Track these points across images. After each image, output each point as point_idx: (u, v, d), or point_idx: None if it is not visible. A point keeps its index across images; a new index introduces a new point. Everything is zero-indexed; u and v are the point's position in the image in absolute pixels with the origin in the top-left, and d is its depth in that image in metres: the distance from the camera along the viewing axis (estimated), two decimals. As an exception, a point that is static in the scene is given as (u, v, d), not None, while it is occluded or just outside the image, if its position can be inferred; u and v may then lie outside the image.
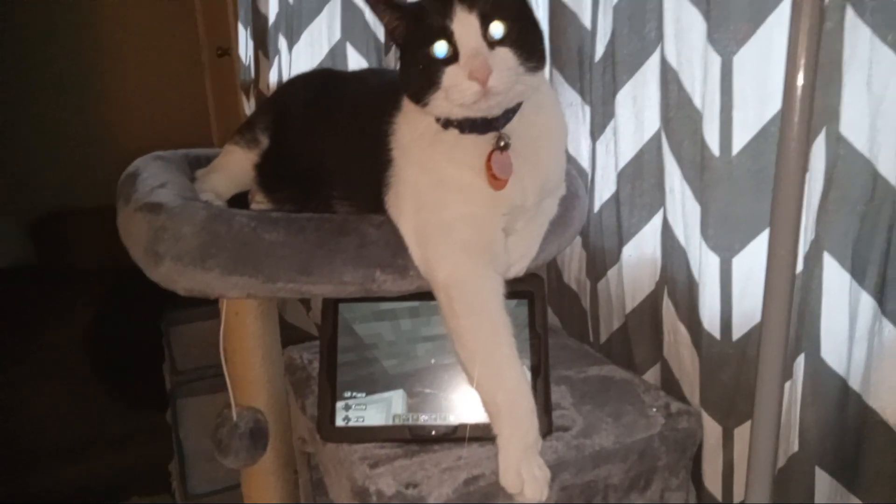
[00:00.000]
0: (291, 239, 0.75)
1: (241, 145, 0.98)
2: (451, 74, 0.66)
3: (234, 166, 0.98)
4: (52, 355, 2.86)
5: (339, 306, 0.87)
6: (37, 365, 2.80)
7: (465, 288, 0.73)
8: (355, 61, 1.53)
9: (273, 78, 1.75)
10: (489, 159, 0.72)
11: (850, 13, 0.59)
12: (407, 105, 0.76)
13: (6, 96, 3.69)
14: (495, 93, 0.65)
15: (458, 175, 0.74)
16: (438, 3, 0.67)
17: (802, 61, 0.56)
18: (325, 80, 1.03)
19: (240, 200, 1.00)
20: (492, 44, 0.65)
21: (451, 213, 0.74)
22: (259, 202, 0.98)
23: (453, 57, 0.66)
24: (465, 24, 0.65)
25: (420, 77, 0.68)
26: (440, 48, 0.66)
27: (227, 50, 3.29)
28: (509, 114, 0.72)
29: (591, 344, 1.07)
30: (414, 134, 0.76)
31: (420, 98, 0.69)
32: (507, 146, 0.73)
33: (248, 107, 2.04)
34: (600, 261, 1.01)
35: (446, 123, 0.73)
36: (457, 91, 0.66)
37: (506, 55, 0.65)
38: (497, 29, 0.65)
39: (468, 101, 0.66)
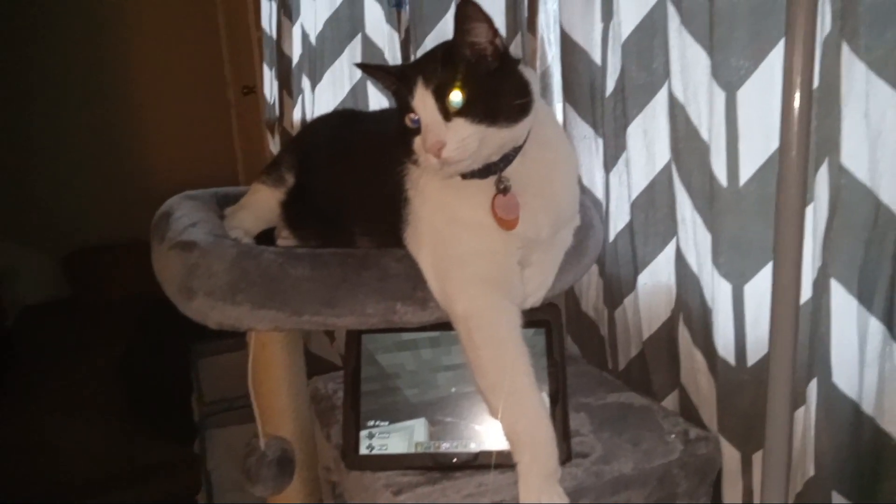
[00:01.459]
0: (316, 273, 0.79)
1: (268, 184, 1.03)
2: (417, 144, 0.71)
3: (261, 204, 1.02)
4: (83, 387, 2.92)
5: (362, 337, 0.91)
6: (68, 397, 2.86)
7: (482, 320, 0.76)
8: (376, 99, 1.58)
9: (297, 116, 1.82)
10: (493, 203, 0.75)
11: (845, 48, 0.62)
12: None
13: (43, 136, 3.84)
14: (452, 162, 0.69)
15: (470, 215, 0.77)
16: (407, 77, 0.72)
17: (797, 94, 0.59)
18: (345, 121, 1.07)
19: (267, 236, 1.04)
20: (450, 114, 0.69)
21: (466, 248, 0.77)
22: (285, 238, 1.02)
23: (419, 128, 0.71)
24: (423, 99, 0.70)
25: (402, 142, 0.74)
26: (410, 120, 0.72)
27: (252, 88, 3.40)
28: (509, 157, 0.75)
29: (610, 371, 1.09)
30: (426, 177, 0.79)
31: (412, 159, 0.74)
32: (507, 189, 0.76)
33: (273, 144, 2.10)
34: (617, 289, 1.03)
35: None
36: (421, 160, 0.72)
37: (462, 125, 0.68)
38: (454, 99, 0.68)
39: (431, 169, 0.71)
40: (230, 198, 1.16)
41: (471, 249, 0.77)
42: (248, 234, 0.98)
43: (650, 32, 0.90)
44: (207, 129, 4.16)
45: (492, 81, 0.71)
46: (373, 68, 0.83)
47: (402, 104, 0.73)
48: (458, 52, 0.71)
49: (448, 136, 0.68)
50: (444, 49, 0.74)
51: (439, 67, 0.71)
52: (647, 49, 0.90)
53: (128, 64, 4.02)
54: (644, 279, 0.97)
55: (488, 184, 0.76)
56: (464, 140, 0.69)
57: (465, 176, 0.75)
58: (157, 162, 4.14)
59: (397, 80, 0.74)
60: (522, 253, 0.80)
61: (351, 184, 0.95)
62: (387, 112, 1.28)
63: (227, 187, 1.23)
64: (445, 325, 0.81)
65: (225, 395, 1.96)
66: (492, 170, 0.75)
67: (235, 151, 4.17)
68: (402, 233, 0.83)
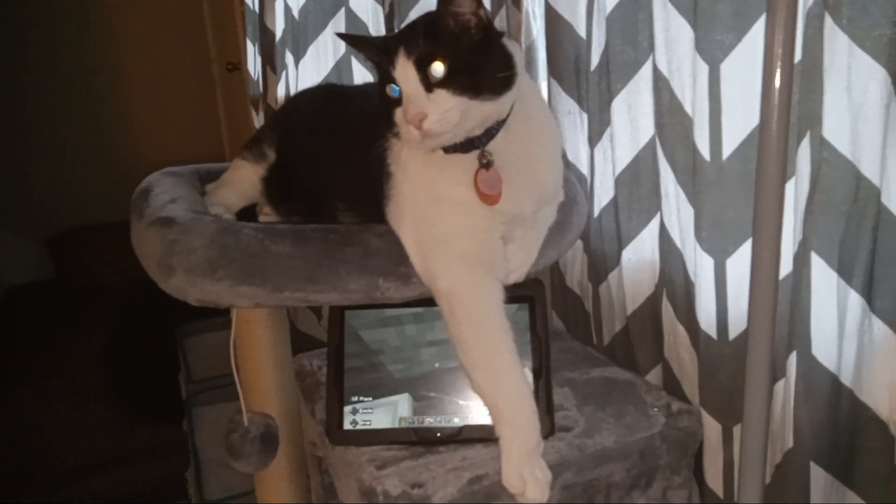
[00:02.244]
0: (298, 250, 0.78)
1: (249, 160, 1.02)
2: (398, 116, 0.70)
3: (243, 180, 1.01)
4: (70, 369, 2.91)
5: (345, 314, 0.90)
6: (55, 379, 2.85)
7: (464, 296, 0.76)
8: (360, 74, 1.56)
9: (281, 92, 1.79)
10: (475, 178, 0.75)
11: (828, 21, 0.61)
12: None
13: (24, 117, 3.78)
14: (433, 134, 0.68)
15: (452, 191, 0.76)
16: (389, 48, 0.70)
17: (778, 66, 0.58)
18: (328, 96, 1.06)
19: (248, 213, 1.03)
20: (432, 86, 0.68)
21: (449, 225, 0.77)
22: (267, 214, 1.01)
23: (400, 99, 0.69)
24: (404, 70, 0.69)
25: (383, 115, 0.73)
26: (391, 90, 0.70)
27: (237, 64, 3.35)
28: (492, 131, 0.74)
29: (595, 346, 1.09)
30: (408, 152, 0.78)
31: (394, 131, 0.73)
32: (490, 163, 0.75)
33: (258, 120, 2.08)
34: (601, 264, 1.03)
35: None
36: (402, 132, 0.71)
37: (444, 97, 0.67)
38: (436, 70, 0.67)
39: (412, 142, 0.70)
40: (212, 174, 1.14)
41: (453, 226, 0.77)
42: (228, 210, 0.97)
43: (635, 6, 0.89)
44: (192, 107, 4.10)
45: (475, 53, 0.70)
46: (355, 39, 0.82)
47: (384, 75, 0.71)
48: (441, 23, 0.70)
49: (430, 107, 0.68)
50: (426, 20, 0.73)
51: (421, 38, 0.69)
52: (632, 22, 0.89)
53: (110, 42, 3.95)
54: (628, 255, 0.97)
55: (471, 158, 0.75)
56: (445, 112, 0.68)
57: (447, 150, 0.74)
58: (142, 141, 4.09)
59: (379, 51, 0.73)
60: (505, 229, 0.80)
61: (333, 159, 0.93)
62: (369, 86, 1.26)
63: (209, 164, 1.21)
64: (429, 301, 0.81)
65: (212, 374, 1.96)
66: (474, 144, 0.74)
67: (221, 129, 4.12)
68: (385, 208, 0.82)
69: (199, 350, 2.11)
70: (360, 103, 0.99)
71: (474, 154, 0.75)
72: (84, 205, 3.95)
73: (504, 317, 0.77)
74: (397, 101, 0.70)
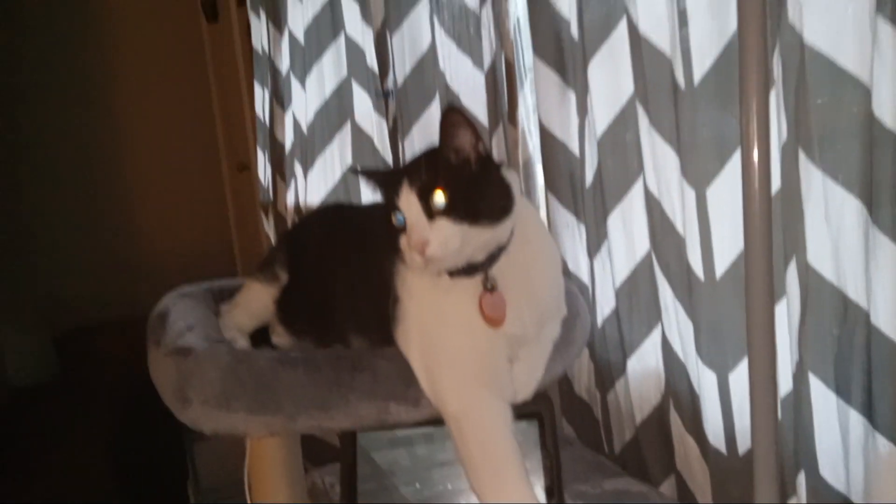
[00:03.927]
0: (309, 378, 0.80)
1: (262, 281, 1.05)
2: (403, 242, 0.74)
3: (255, 302, 1.04)
4: (76, 471, 2.86)
5: (356, 435, 0.91)
6: (61, 481, 2.80)
7: (473, 419, 0.77)
8: (366, 186, 1.63)
9: (290, 200, 1.86)
10: (480, 301, 0.78)
11: (802, 156, 0.66)
12: None
13: (34, 215, 3.87)
14: (435, 259, 0.72)
15: (458, 314, 0.78)
16: (393, 179, 0.75)
17: (756, 196, 0.61)
18: (334, 217, 1.11)
19: (263, 333, 1.06)
20: (434, 214, 0.72)
21: (455, 347, 0.79)
22: (279, 335, 1.04)
23: (405, 227, 0.73)
24: (408, 199, 0.73)
25: (389, 241, 0.76)
26: (396, 219, 0.74)
27: (247, 165, 3.47)
28: (494, 256, 0.77)
29: (606, 454, 1.09)
30: (414, 276, 0.81)
31: (400, 255, 0.76)
32: (493, 287, 0.78)
33: (268, 225, 2.14)
34: (607, 373, 1.05)
35: None
36: (406, 258, 0.74)
37: (445, 225, 0.71)
38: (437, 200, 0.71)
39: (416, 267, 0.73)
40: (225, 292, 1.18)
41: (459, 348, 0.79)
42: (242, 331, 1.00)
43: (622, 129, 0.94)
44: (202, 207, 4.21)
45: (474, 184, 0.74)
46: (365, 172, 0.86)
47: (390, 204, 0.76)
48: (442, 156, 0.74)
49: (432, 234, 0.71)
50: (429, 154, 0.78)
51: (424, 170, 0.74)
52: (621, 144, 0.95)
53: (120, 141, 4.09)
54: (633, 364, 0.99)
55: (475, 282, 0.78)
56: (446, 239, 0.71)
57: (451, 274, 0.77)
58: (151, 240, 4.17)
59: (386, 182, 0.78)
60: (510, 349, 0.82)
61: (342, 281, 0.97)
62: (374, 207, 1.32)
63: (222, 280, 1.25)
64: (439, 421, 0.82)
65: (222, 482, 1.94)
66: (478, 268, 0.77)
67: (230, 229, 4.22)
68: (393, 331, 0.85)
69: (208, 455, 2.09)
70: (367, 225, 1.03)
71: (478, 278, 0.78)
72: (91, 303, 3.99)
73: (513, 438, 0.77)
74: (402, 229, 0.74)
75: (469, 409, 0.78)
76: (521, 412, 0.83)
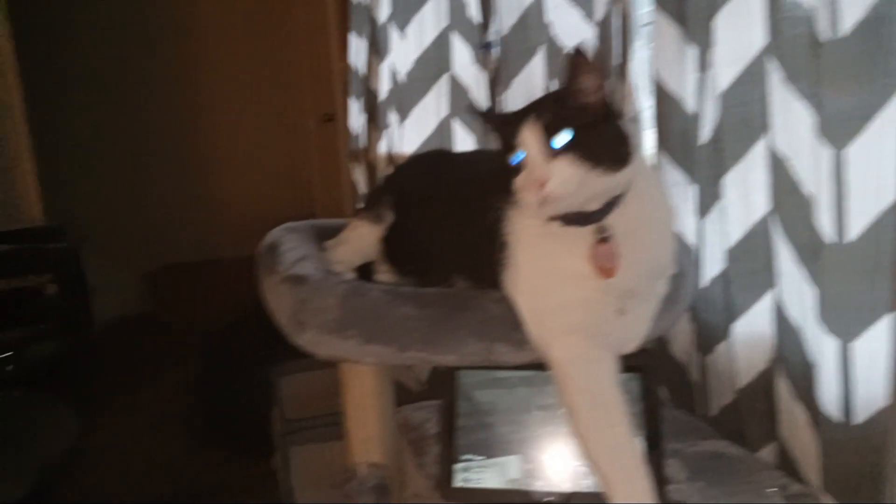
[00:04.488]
0: (421, 312, 0.83)
1: (368, 220, 1.08)
2: (519, 181, 0.73)
3: (361, 240, 1.07)
4: (163, 400, 3.05)
5: (457, 373, 0.94)
6: (148, 409, 2.99)
7: (578, 367, 0.77)
8: (461, 136, 1.63)
9: (383, 148, 1.88)
10: (592, 251, 0.77)
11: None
12: None
13: (130, 161, 4.07)
14: (553, 199, 0.71)
15: (569, 263, 0.78)
16: (516, 116, 0.75)
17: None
18: (440, 161, 1.12)
19: (364, 269, 1.09)
20: (556, 153, 0.71)
21: (563, 297, 0.79)
22: (383, 272, 1.07)
23: (523, 165, 0.73)
24: (529, 137, 0.73)
25: (502, 183, 0.76)
26: (514, 157, 0.74)
27: (332, 116, 3.52)
28: (609, 206, 0.77)
29: (700, 417, 1.08)
30: (525, 223, 0.82)
31: (514, 197, 0.75)
32: (607, 238, 0.77)
33: (357, 172, 2.18)
34: (709, 335, 1.03)
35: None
36: (522, 195, 0.73)
37: (565, 164, 0.71)
38: (559, 139, 0.71)
39: (532, 203, 0.72)
40: (326, 230, 1.22)
41: (568, 298, 0.79)
42: (348, 268, 1.03)
43: (749, 85, 0.91)
44: (286, 156, 4.33)
45: (596, 128, 0.73)
46: (484, 113, 0.86)
47: (507, 146, 0.75)
48: (565, 97, 0.74)
49: (551, 172, 0.71)
50: (553, 95, 0.77)
51: (547, 110, 0.74)
52: (746, 101, 0.91)
53: (211, 92, 4.23)
54: (739, 328, 0.97)
55: (587, 232, 0.77)
56: (566, 178, 0.71)
57: (565, 222, 0.77)
58: (235, 186, 4.32)
59: (505, 122, 0.77)
60: (619, 302, 0.82)
61: (448, 224, 0.98)
62: (479, 153, 1.32)
63: (323, 219, 1.30)
64: (539, 366, 0.83)
65: (305, 414, 2.02)
66: (592, 218, 0.77)
67: (312, 177, 4.31)
68: (500, 276, 0.85)
69: (292, 389, 2.18)
70: (473, 170, 1.04)
71: (590, 228, 0.78)
72: (179, 244, 4.19)
73: (618, 388, 0.78)
74: (517, 170, 0.74)
75: (574, 356, 0.78)
76: (625, 366, 0.83)
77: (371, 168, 2.03)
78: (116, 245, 4.00)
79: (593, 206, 0.76)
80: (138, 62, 4.02)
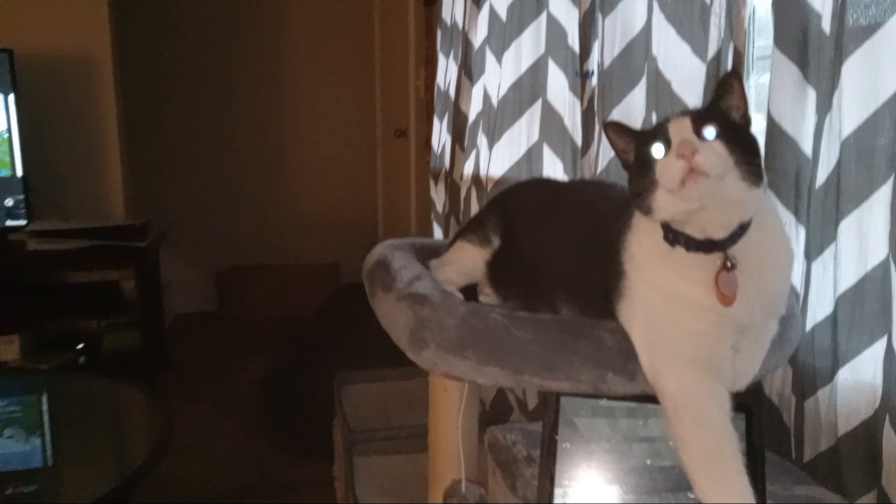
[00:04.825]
0: (538, 337, 0.85)
1: (474, 243, 1.11)
2: (663, 163, 0.75)
3: (468, 262, 1.11)
4: (228, 396, 3.15)
5: (560, 398, 0.96)
6: (215, 403, 3.09)
7: (693, 400, 0.79)
8: (550, 162, 1.66)
9: (468, 170, 1.93)
10: (717, 278, 0.79)
11: None
12: (637, 224, 0.85)
13: (206, 167, 4.24)
14: (701, 172, 0.71)
15: (689, 292, 0.80)
16: (654, 128, 0.78)
17: None
18: (547, 189, 1.15)
19: (468, 291, 1.12)
20: (704, 140, 0.74)
21: (682, 328, 0.81)
22: (487, 295, 1.10)
23: (667, 153, 0.75)
24: (678, 124, 0.76)
25: (641, 178, 0.77)
26: (657, 149, 0.76)
27: (404, 131, 3.60)
28: (735, 236, 0.78)
29: (793, 461, 1.07)
30: (645, 251, 0.84)
31: (641, 199, 0.77)
32: (733, 266, 0.79)
33: (435, 191, 2.23)
34: (810, 379, 1.02)
35: (673, 241, 0.80)
36: (666, 173, 0.74)
37: (716, 146, 0.73)
38: (709, 131, 0.74)
39: (676, 179, 0.72)
40: (424, 248, 1.26)
41: (687, 329, 0.81)
42: (455, 289, 1.07)
43: (874, 132, 0.91)
44: (353, 169, 4.44)
45: (740, 133, 0.76)
46: (620, 127, 0.87)
47: (647, 144, 0.77)
48: (715, 103, 0.79)
49: (703, 148, 0.73)
50: (699, 108, 0.81)
51: (698, 109, 0.78)
52: (870, 148, 0.91)
53: (284, 103, 4.38)
54: (845, 374, 0.97)
55: (710, 261, 0.78)
56: (715, 156, 0.72)
57: (689, 248, 0.79)
58: (302, 195, 4.45)
59: (642, 133, 0.81)
60: (735, 338, 0.83)
61: (556, 251, 1.01)
62: (584, 183, 1.35)
63: (421, 238, 1.34)
64: (644, 398, 0.85)
65: (371, 425, 2.07)
66: (718, 246, 0.78)
67: (377, 191, 4.41)
68: (615, 305, 0.87)
69: (356, 400, 2.23)
70: (581, 200, 1.07)
71: (715, 256, 0.79)
72: (248, 246, 4.34)
73: (730, 424, 0.79)
74: (655, 164, 0.75)
75: (690, 390, 0.79)
76: (733, 403, 0.84)
77: (454, 187, 2.08)
78: (191, 245, 4.16)
79: (720, 233, 0.77)
80: (226, 72, 4.19)
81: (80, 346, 3.15)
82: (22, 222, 2.97)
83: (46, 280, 3.30)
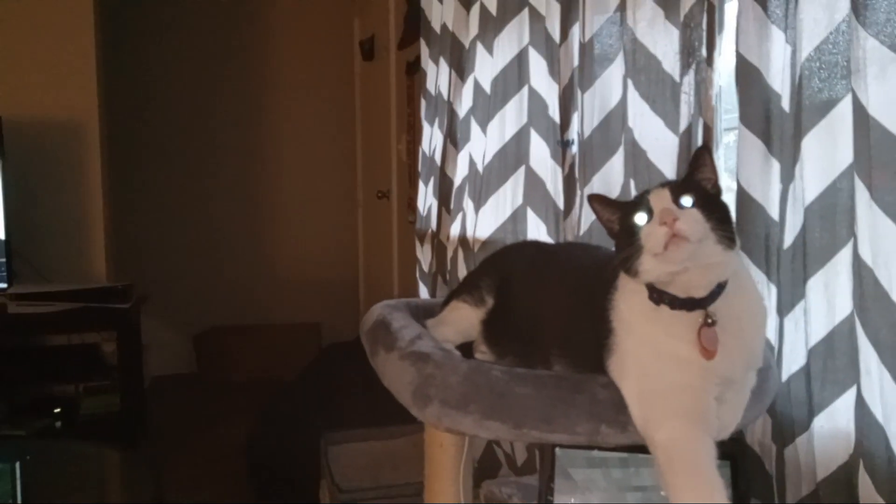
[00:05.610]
0: (537, 392, 0.91)
1: (469, 303, 1.18)
2: (646, 229, 0.83)
3: (463, 321, 1.17)
4: (207, 461, 3.09)
5: (555, 450, 1.01)
6: (194, 471, 3.03)
7: (683, 450, 0.84)
8: (534, 224, 1.75)
9: (455, 231, 2.00)
10: (699, 333, 0.86)
11: None
12: (623, 285, 0.93)
13: (183, 228, 4.27)
14: (683, 237, 0.80)
15: (674, 347, 0.87)
16: (635, 199, 0.87)
17: None
18: (536, 251, 1.23)
19: (463, 349, 1.17)
20: (681, 208, 0.82)
21: (670, 382, 0.87)
22: (483, 352, 1.16)
23: (646, 224, 0.84)
24: (658, 195, 0.85)
25: (627, 244, 0.85)
26: (640, 217, 0.85)
27: (386, 193, 3.70)
28: (714, 294, 0.86)
29: (777, 507, 1.12)
30: (632, 310, 0.91)
31: (628, 263, 0.85)
32: (713, 322, 0.86)
33: (421, 251, 2.30)
34: (788, 428, 1.09)
35: (658, 300, 0.88)
36: (650, 238, 0.82)
37: (693, 213, 0.82)
38: (686, 200, 0.83)
39: (660, 244, 0.80)
40: (420, 308, 1.32)
41: (674, 383, 0.87)
42: (452, 347, 1.12)
43: (834, 199, 1.01)
44: (334, 230, 4.50)
45: (713, 202, 0.85)
46: (604, 200, 0.96)
47: (630, 214, 0.86)
48: (689, 177, 0.88)
49: (682, 215, 0.81)
50: (674, 180, 0.91)
51: (673, 183, 0.87)
52: (831, 213, 1.01)
53: (265, 164, 4.46)
54: (820, 422, 1.03)
55: (693, 318, 0.86)
56: (693, 222, 0.81)
57: (673, 306, 0.86)
58: (283, 256, 4.49)
59: (624, 204, 0.89)
60: (718, 389, 0.89)
61: (550, 309, 1.08)
62: (571, 245, 1.43)
63: (415, 299, 1.40)
64: (636, 448, 0.90)
65: (360, 485, 2.06)
66: (699, 304, 0.85)
67: (358, 252, 4.47)
68: (606, 360, 0.94)
69: (344, 460, 2.23)
70: (570, 262, 1.14)
71: (697, 313, 0.86)
72: (227, 307, 4.33)
73: (717, 471, 0.84)
74: (640, 229, 0.84)
75: (679, 440, 0.85)
76: (718, 452, 0.90)
77: (441, 248, 2.15)
78: (169, 306, 4.14)
79: (701, 292, 0.85)
80: (209, 135, 4.28)
81: (58, 410, 3.08)
82: (3, 286, 2.96)
83: (24, 343, 3.25)
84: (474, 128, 1.91)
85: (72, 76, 3.24)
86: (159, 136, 4.17)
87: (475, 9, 1.93)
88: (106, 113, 3.40)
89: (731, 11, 1.21)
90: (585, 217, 1.56)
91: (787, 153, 1.08)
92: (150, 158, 4.15)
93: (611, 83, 1.50)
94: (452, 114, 2.05)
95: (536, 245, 1.27)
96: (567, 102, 1.63)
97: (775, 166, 1.11)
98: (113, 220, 3.55)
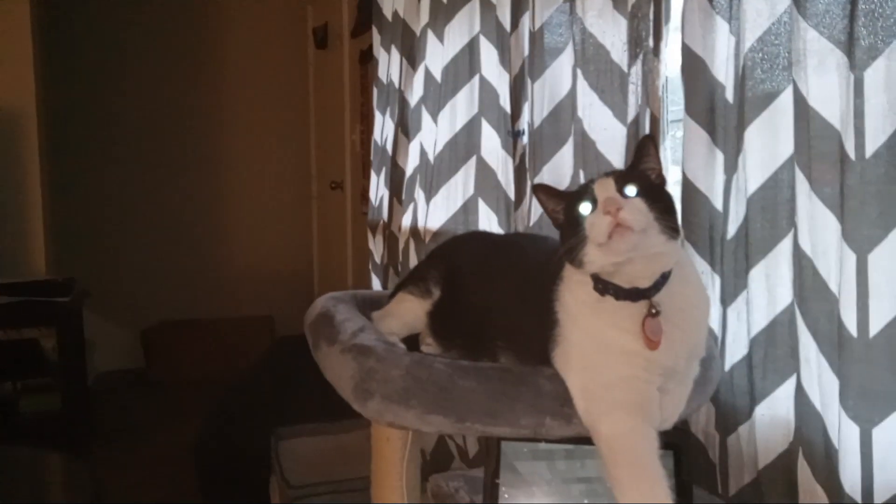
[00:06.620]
0: (481, 385, 0.89)
1: (416, 295, 1.15)
2: (590, 219, 0.82)
3: (409, 313, 1.14)
4: (158, 459, 3.01)
5: (500, 444, 0.99)
6: (142, 472, 2.94)
7: (626, 442, 0.84)
8: (485, 215, 1.73)
9: (406, 222, 1.98)
10: (643, 324, 0.86)
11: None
12: (568, 275, 0.92)
13: (133, 222, 4.13)
14: (626, 226, 0.79)
15: (619, 339, 0.86)
16: (580, 189, 0.86)
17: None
18: (485, 242, 1.21)
19: (409, 341, 1.15)
20: (626, 198, 0.81)
21: (614, 374, 0.86)
22: (429, 345, 1.13)
23: (594, 211, 0.83)
24: (603, 184, 0.84)
25: (572, 235, 0.84)
26: (584, 207, 0.84)
27: (340, 183, 3.64)
28: (658, 285, 0.86)
29: (720, 495, 1.14)
30: (577, 301, 0.90)
31: (573, 253, 0.83)
32: (658, 313, 0.86)
33: (373, 242, 2.27)
34: (731, 417, 1.10)
35: (603, 290, 0.87)
36: (594, 228, 0.81)
37: (637, 202, 0.81)
38: (630, 189, 0.82)
39: (604, 233, 0.80)
40: (366, 300, 1.29)
41: (618, 375, 0.86)
42: (397, 339, 1.10)
43: (775, 191, 1.01)
44: (287, 221, 4.41)
45: (657, 192, 0.84)
46: (547, 189, 0.94)
47: (577, 201, 0.85)
48: (634, 168, 0.87)
49: (626, 205, 0.80)
50: (619, 170, 0.89)
51: (618, 173, 0.86)
52: (772, 204, 1.02)
53: (217, 155, 4.35)
54: (762, 411, 1.04)
55: (637, 309, 0.85)
56: (637, 211, 0.80)
57: (618, 297, 0.85)
58: (235, 249, 4.38)
59: (569, 194, 0.88)
60: (661, 381, 0.89)
61: (496, 301, 1.06)
62: (519, 236, 1.42)
63: (362, 290, 1.37)
64: (581, 440, 0.90)
65: (310, 480, 2.03)
66: (644, 294, 0.85)
67: (312, 243, 4.40)
68: (551, 352, 0.92)
69: (294, 455, 2.18)
70: (518, 253, 1.13)
71: (641, 304, 0.85)
72: (176, 301, 4.21)
73: (659, 462, 0.84)
74: (584, 221, 0.82)
75: (623, 432, 0.85)
76: (661, 442, 0.90)
77: (393, 239, 2.12)
78: (115, 300, 4.01)
79: (645, 283, 0.84)
80: (156, 125, 4.14)
81: (-7, 411, 2.96)
82: (-65, 280, 2.82)
83: (-45, 340, 3.10)
84: (425, 117, 1.88)
85: (7, 63, 3.09)
86: (105, 124, 4.01)
87: (427, -4, 1.91)
88: (45, 101, 3.26)
89: (677, 1, 1.21)
90: (535, 208, 1.55)
91: (731, 144, 1.08)
92: (95, 148, 3.99)
93: (560, 73, 1.49)
94: (404, 102, 2.02)
95: (483, 236, 1.25)
96: (517, 92, 1.61)
97: (719, 157, 1.11)
98: (55, 213, 3.41)
